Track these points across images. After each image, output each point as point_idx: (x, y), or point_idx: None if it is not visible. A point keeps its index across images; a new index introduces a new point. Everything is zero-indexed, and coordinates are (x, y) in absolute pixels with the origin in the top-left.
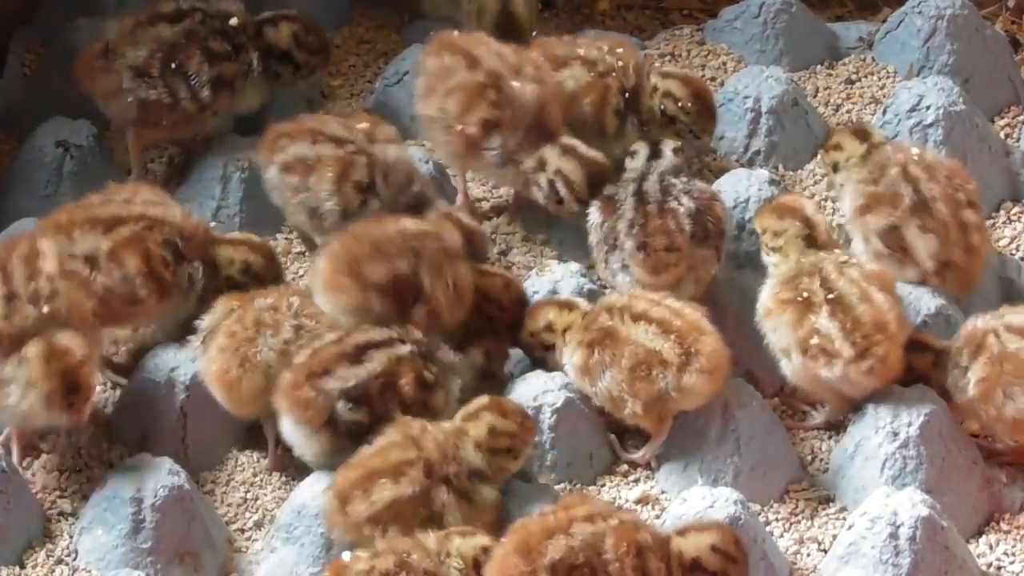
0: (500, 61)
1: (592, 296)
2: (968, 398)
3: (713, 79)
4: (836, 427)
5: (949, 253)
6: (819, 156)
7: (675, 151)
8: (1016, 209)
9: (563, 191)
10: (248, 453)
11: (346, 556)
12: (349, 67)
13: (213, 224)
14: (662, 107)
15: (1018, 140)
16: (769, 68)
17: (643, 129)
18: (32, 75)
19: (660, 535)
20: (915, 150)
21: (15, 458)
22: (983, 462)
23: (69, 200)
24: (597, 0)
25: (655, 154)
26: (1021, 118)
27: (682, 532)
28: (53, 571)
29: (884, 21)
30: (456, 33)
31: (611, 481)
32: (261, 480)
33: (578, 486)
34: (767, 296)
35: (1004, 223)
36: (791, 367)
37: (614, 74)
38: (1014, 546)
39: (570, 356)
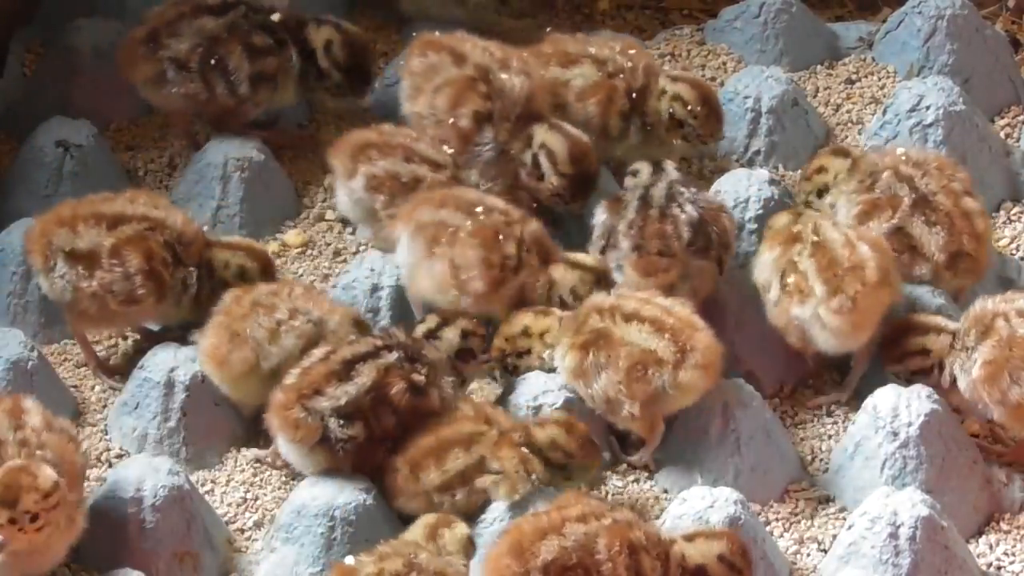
0: (487, 55)
1: None
2: (972, 379)
3: (713, 79)
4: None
5: (958, 243)
6: (798, 188)
7: (677, 169)
8: (1016, 209)
9: (545, 164)
10: (248, 453)
11: (349, 560)
12: None
13: (208, 227)
14: (671, 110)
15: (1018, 140)
16: (769, 68)
17: (647, 131)
18: (32, 75)
19: (655, 534)
20: (900, 150)
21: None
22: (983, 462)
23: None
24: (597, 0)
25: (658, 169)
26: (1021, 118)
27: (690, 538)
28: (52, 571)
29: (884, 21)
30: (437, 33)
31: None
32: (261, 480)
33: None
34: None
35: (1004, 223)
36: (768, 306)
37: (623, 75)
38: (1014, 546)
39: (562, 359)
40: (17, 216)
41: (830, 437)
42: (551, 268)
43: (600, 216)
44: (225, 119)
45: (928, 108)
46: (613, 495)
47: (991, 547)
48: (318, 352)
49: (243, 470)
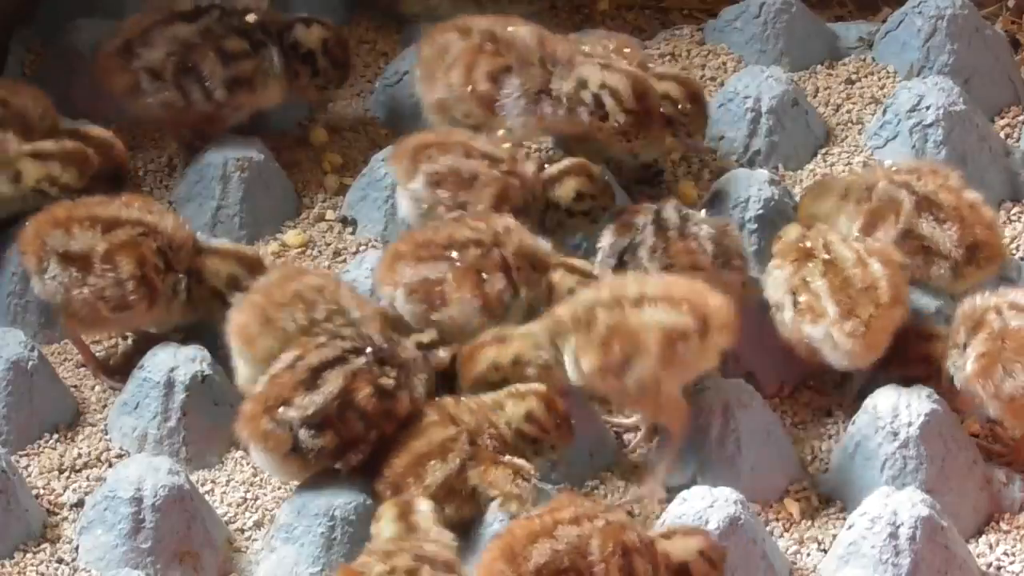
0: (492, 21)
1: None
2: (966, 374)
3: (713, 79)
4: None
5: (972, 234)
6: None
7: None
8: (1016, 209)
9: (609, 103)
10: (248, 453)
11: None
12: None
13: (208, 227)
14: (660, 108)
15: (1018, 140)
16: (769, 68)
17: None
18: (32, 75)
19: (648, 535)
20: (888, 162)
21: None
22: (983, 462)
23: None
24: (597, 0)
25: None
26: (1021, 118)
27: (668, 536)
28: (53, 570)
29: (884, 21)
30: (440, 25)
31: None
32: (261, 480)
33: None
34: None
35: (1004, 223)
36: (784, 323)
37: None
38: (1014, 546)
39: (575, 362)
40: None
41: (830, 437)
42: (550, 273)
43: (608, 239)
44: (205, 126)
45: (928, 108)
46: (613, 495)
47: (991, 547)
48: (286, 357)
49: (243, 470)
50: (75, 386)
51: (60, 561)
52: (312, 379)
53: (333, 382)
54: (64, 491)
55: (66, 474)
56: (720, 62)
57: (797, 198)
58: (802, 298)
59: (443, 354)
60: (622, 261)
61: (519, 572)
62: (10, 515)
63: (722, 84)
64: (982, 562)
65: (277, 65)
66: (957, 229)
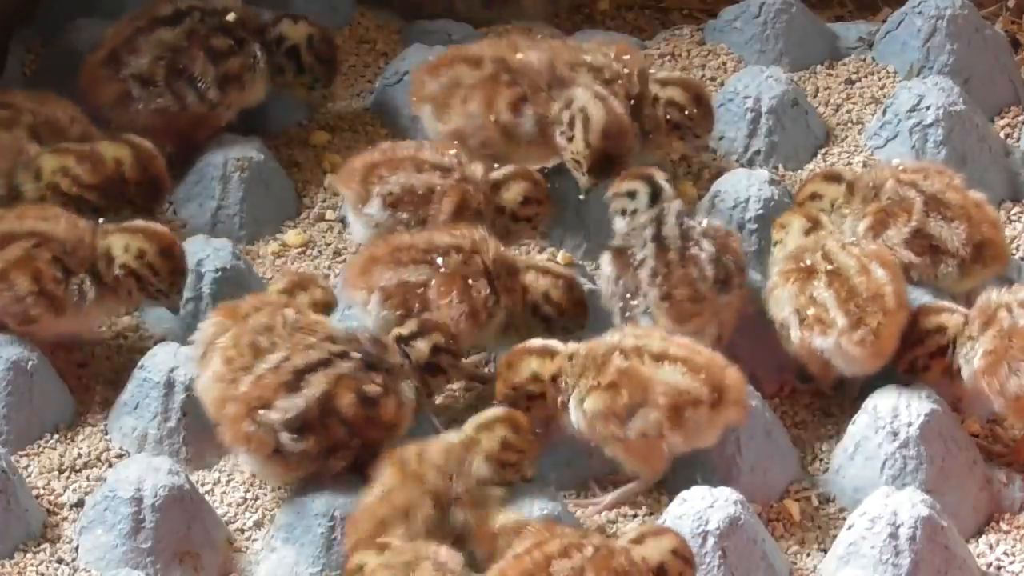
0: (497, 50)
1: None
2: (973, 370)
3: (713, 79)
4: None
5: (979, 232)
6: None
7: (668, 181)
8: (1016, 209)
9: (578, 129)
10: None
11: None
12: (349, 67)
13: (208, 227)
14: (667, 116)
15: (1018, 140)
16: (769, 68)
17: (646, 137)
18: (32, 75)
19: (624, 547)
20: (896, 161)
21: None
22: (983, 462)
23: None
24: (597, 0)
25: (655, 190)
26: (1021, 118)
27: (639, 540)
28: (53, 570)
29: (884, 21)
30: (431, 57)
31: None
32: (261, 480)
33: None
34: (773, 272)
35: (1004, 223)
36: (790, 340)
37: (620, 81)
38: (1014, 546)
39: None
40: None
41: (830, 437)
42: (521, 275)
43: (607, 271)
44: (196, 130)
45: (928, 108)
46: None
47: (991, 547)
48: (273, 358)
49: (243, 470)
50: (75, 386)
51: (60, 561)
52: (295, 381)
53: (316, 386)
54: (64, 491)
55: (66, 474)
56: (720, 62)
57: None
58: (810, 311)
59: (421, 345)
60: (624, 296)
61: None
62: (10, 515)
63: (722, 84)
64: (982, 562)
65: (261, 61)
66: (965, 228)
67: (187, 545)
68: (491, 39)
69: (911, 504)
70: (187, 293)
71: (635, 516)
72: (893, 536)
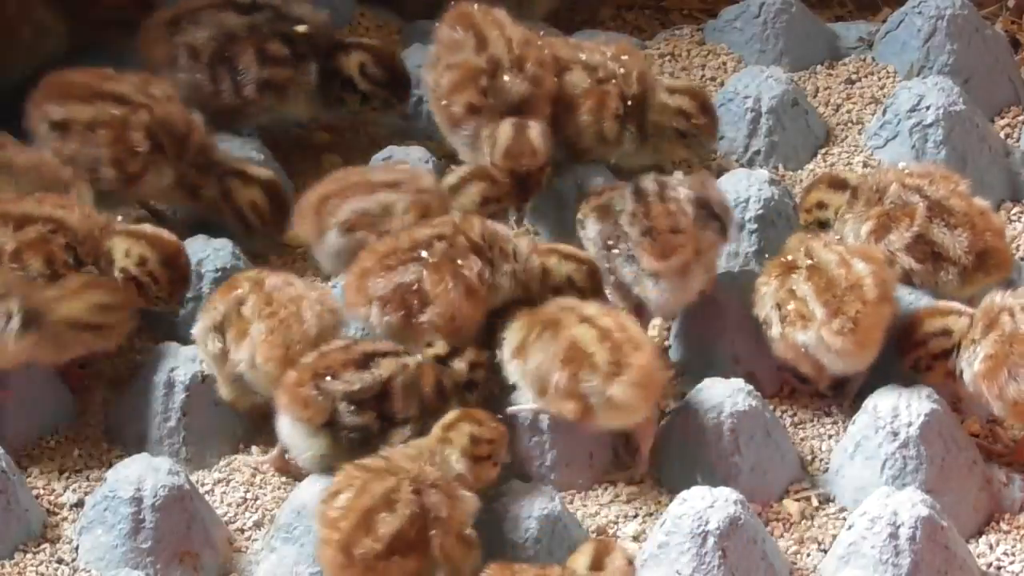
0: (506, 49)
1: None
2: (973, 373)
3: (713, 79)
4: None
5: (983, 241)
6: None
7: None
8: (1016, 209)
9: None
10: (248, 453)
11: None
12: None
13: (200, 230)
14: (675, 124)
15: (1018, 140)
16: (769, 68)
17: (643, 140)
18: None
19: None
20: (901, 164)
21: None
22: (983, 462)
23: None
24: (601, 8)
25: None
26: (1021, 118)
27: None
28: (53, 570)
29: (884, 21)
30: (476, 7)
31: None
32: (261, 480)
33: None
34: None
35: (1004, 223)
36: (773, 339)
37: (614, 81)
38: (1014, 546)
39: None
40: None
41: (830, 437)
42: (544, 258)
43: (593, 227)
44: (225, 117)
45: (928, 108)
46: (616, 495)
47: (991, 547)
48: (339, 342)
49: (243, 470)
50: (75, 386)
51: (60, 561)
52: (364, 361)
53: (385, 367)
54: (64, 491)
55: (66, 474)
56: (720, 62)
57: (799, 198)
58: (790, 306)
59: (460, 365)
60: (608, 246)
61: None
62: (10, 515)
63: (722, 84)
64: (982, 562)
65: (313, 82)
66: (968, 235)
67: (187, 545)
68: (526, 33)
69: (911, 504)
70: (187, 293)
71: (635, 516)
72: (893, 536)
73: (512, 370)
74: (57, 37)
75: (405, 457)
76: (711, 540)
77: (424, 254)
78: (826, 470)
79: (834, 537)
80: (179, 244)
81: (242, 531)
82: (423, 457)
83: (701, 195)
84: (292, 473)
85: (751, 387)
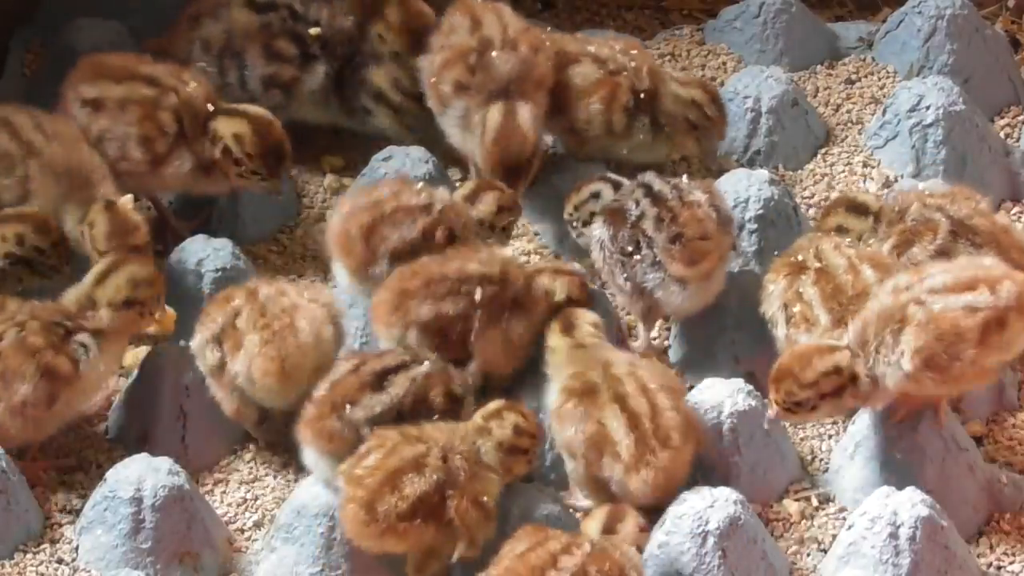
0: (499, 29)
1: None
2: (904, 373)
3: (713, 79)
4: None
5: (1008, 258)
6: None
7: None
8: (1016, 209)
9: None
10: (248, 453)
11: None
12: None
13: (200, 230)
14: (688, 116)
15: (1018, 140)
16: (769, 68)
17: (657, 131)
18: (32, 75)
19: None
20: (920, 185)
21: None
22: (983, 462)
23: None
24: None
25: (617, 185)
26: (1021, 118)
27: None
28: (53, 570)
29: (884, 21)
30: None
31: None
32: (261, 480)
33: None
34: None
35: None
36: (778, 338)
37: (625, 73)
38: (1014, 546)
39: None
40: None
41: (830, 437)
42: (538, 278)
43: (601, 233)
44: None
45: (928, 108)
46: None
47: (991, 547)
48: (345, 365)
49: (243, 470)
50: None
51: (60, 561)
52: (377, 381)
53: (400, 385)
54: (64, 491)
55: (66, 474)
56: (720, 62)
57: (799, 198)
58: (796, 308)
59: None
60: (625, 251)
61: None
62: (10, 515)
63: (722, 84)
64: (982, 562)
65: (317, 84)
66: (994, 254)
67: (187, 545)
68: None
69: (911, 504)
70: (187, 293)
71: None
72: (893, 536)
73: (552, 428)
74: None
75: (438, 430)
76: (711, 540)
77: (478, 295)
78: (826, 470)
79: (834, 537)
80: (53, 220)
81: (242, 531)
82: (456, 436)
83: (713, 199)
84: None
85: (751, 387)
